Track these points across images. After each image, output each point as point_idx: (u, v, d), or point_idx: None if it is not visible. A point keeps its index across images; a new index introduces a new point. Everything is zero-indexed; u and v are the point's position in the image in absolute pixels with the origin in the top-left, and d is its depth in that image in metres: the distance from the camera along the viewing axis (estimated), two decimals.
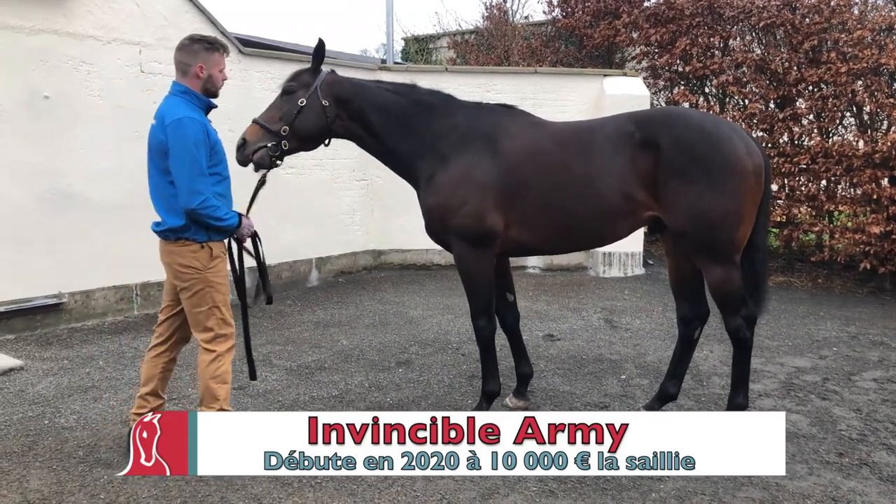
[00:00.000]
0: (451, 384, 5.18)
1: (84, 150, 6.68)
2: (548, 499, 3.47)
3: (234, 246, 3.93)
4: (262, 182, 4.12)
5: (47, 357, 5.72)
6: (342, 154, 8.99)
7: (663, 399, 4.52)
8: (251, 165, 4.08)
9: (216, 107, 3.87)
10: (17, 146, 6.23)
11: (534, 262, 10.01)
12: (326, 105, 4.14)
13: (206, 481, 3.60)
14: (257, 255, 4.01)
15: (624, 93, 9.46)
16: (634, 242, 9.62)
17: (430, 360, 5.78)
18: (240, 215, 3.79)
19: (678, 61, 10.40)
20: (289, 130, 4.09)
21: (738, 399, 4.20)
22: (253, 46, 8.82)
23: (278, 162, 4.14)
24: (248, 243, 3.95)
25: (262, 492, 3.51)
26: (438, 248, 4.53)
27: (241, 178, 4.19)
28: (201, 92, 3.75)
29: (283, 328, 6.77)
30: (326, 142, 4.34)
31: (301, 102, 4.11)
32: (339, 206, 9.35)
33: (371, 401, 4.80)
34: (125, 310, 7.06)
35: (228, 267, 3.90)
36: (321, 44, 4.13)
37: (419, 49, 18.81)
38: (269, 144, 4.05)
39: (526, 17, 17.23)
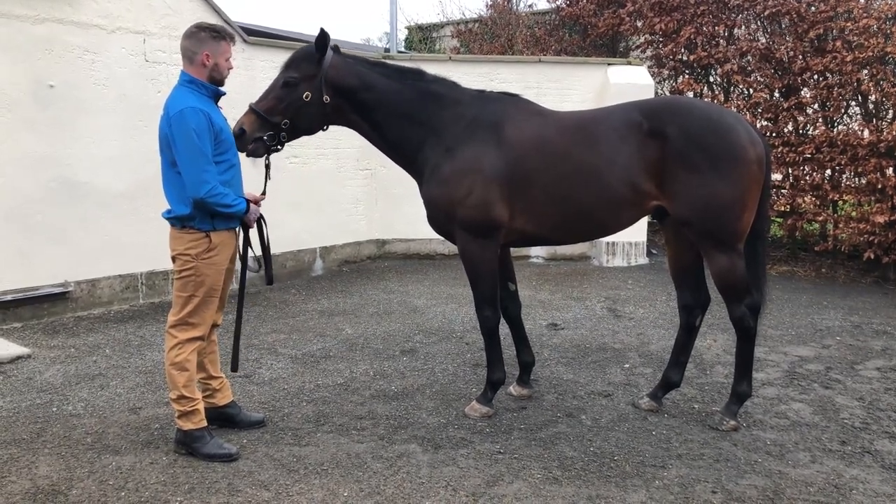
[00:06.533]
0: (455, 372, 5.20)
1: (89, 140, 6.69)
2: (552, 486, 3.50)
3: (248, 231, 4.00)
4: (267, 165, 4.11)
5: (54, 345, 5.76)
6: (346, 143, 8.99)
7: (666, 387, 4.55)
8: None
9: (224, 93, 3.88)
10: (24, 135, 6.25)
11: (537, 251, 10.02)
12: (328, 101, 4.07)
13: (213, 468, 3.63)
14: (262, 238, 4.04)
15: (628, 82, 9.44)
16: (638, 232, 9.62)
17: (434, 348, 5.81)
18: (248, 201, 3.82)
19: (683, 50, 10.35)
20: (289, 124, 4.03)
21: (741, 387, 4.23)
22: (257, 35, 8.81)
23: (278, 147, 4.10)
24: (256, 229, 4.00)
25: (269, 478, 3.54)
26: (442, 237, 4.53)
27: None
28: (207, 80, 3.75)
29: (287, 317, 6.80)
30: (325, 127, 4.29)
31: (306, 97, 4.02)
32: (342, 196, 9.36)
33: (376, 389, 4.83)
34: (131, 298, 7.09)
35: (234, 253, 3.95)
36: (322, 34, 4.01)
37: (423, 38, 18.73)
38: (266, 136, 3.99)
39: (530, 6, 17.13)
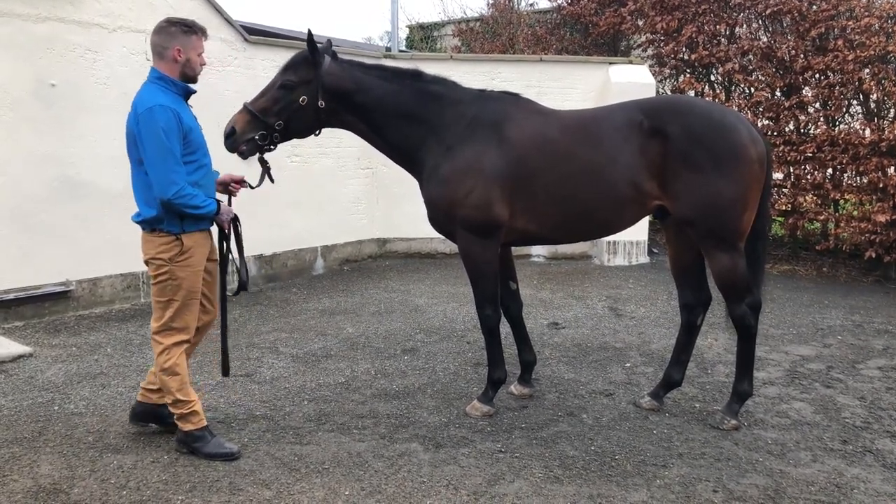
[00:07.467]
0: (456, 371, 5.21)
1: (91, 138, 6.69)
2: (553, 485, 3.50)
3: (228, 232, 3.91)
4: (267, 168, 4.06)
5: (56, 344, 5.76)
6: (347, 142, 8.98)
7: (668, 386, 4.55)
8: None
9: (195, 91, 3.79)
10: (25, 134, 6.25)
11: (538, 250, 10.02)
12: (322, 106, 4.06)
13: (214, 467, 3.64)
14: (238, 240, 3.93)
15: (629, 81, 9.43)
16: (639, 231, 9.61)
17: (435, 347, 5.81)
18: (219, 202, 3.73)
19: (684, 49, 10.34)
20: (282, 126, 4.02)
21: (742, 386, 4.23)
22: (258, 34, 8.80)
23: (270, 147, 4.07)
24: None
25: (270, 477, 3.54)
26: (443, 236, 4.53)
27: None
28: (179, 77, 3.66)
29: (288, 316, 6.81)
30: (318, 132, 4.28)
31: (302, 101, 4.01)
32: (344, 195, 9.36)
33: (377, 388, 4.84)
34: (132, 297, 7.09)
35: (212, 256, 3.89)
36: (311, 35, 4.01)
37: (423, 37, 18.74)
38: (258, 136, 3.96)
39: (531, 5, 17.11)
